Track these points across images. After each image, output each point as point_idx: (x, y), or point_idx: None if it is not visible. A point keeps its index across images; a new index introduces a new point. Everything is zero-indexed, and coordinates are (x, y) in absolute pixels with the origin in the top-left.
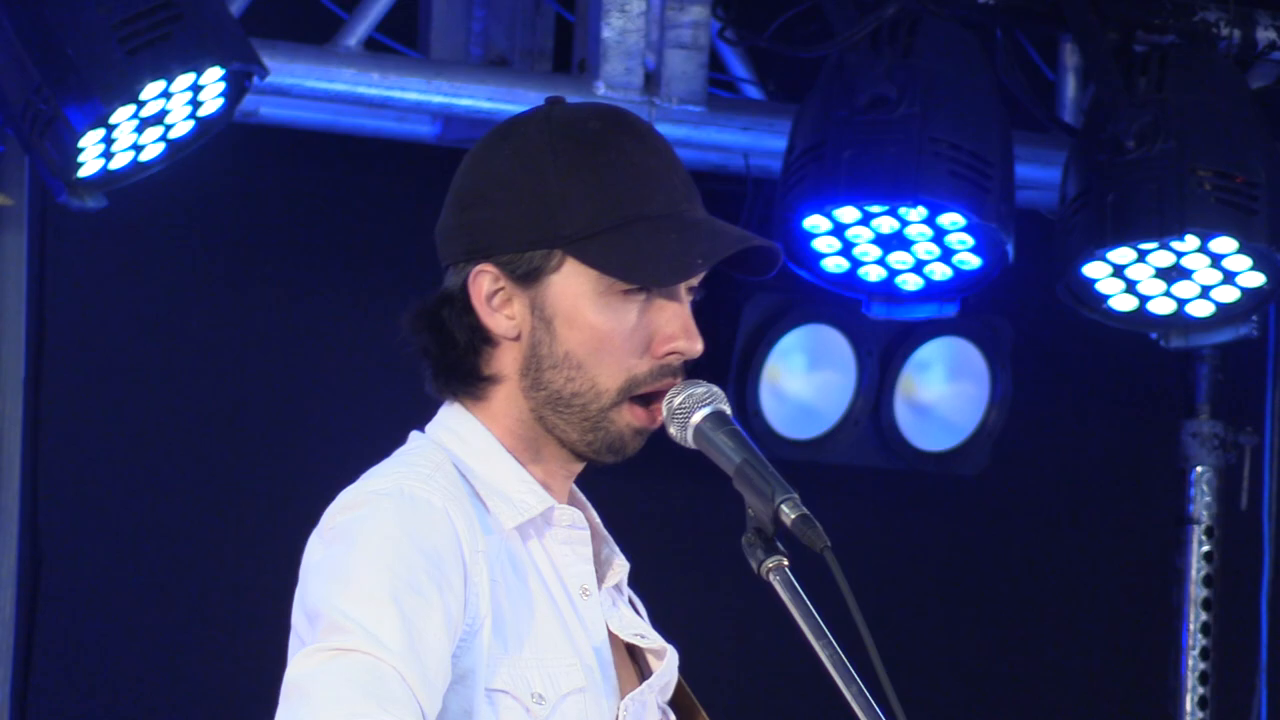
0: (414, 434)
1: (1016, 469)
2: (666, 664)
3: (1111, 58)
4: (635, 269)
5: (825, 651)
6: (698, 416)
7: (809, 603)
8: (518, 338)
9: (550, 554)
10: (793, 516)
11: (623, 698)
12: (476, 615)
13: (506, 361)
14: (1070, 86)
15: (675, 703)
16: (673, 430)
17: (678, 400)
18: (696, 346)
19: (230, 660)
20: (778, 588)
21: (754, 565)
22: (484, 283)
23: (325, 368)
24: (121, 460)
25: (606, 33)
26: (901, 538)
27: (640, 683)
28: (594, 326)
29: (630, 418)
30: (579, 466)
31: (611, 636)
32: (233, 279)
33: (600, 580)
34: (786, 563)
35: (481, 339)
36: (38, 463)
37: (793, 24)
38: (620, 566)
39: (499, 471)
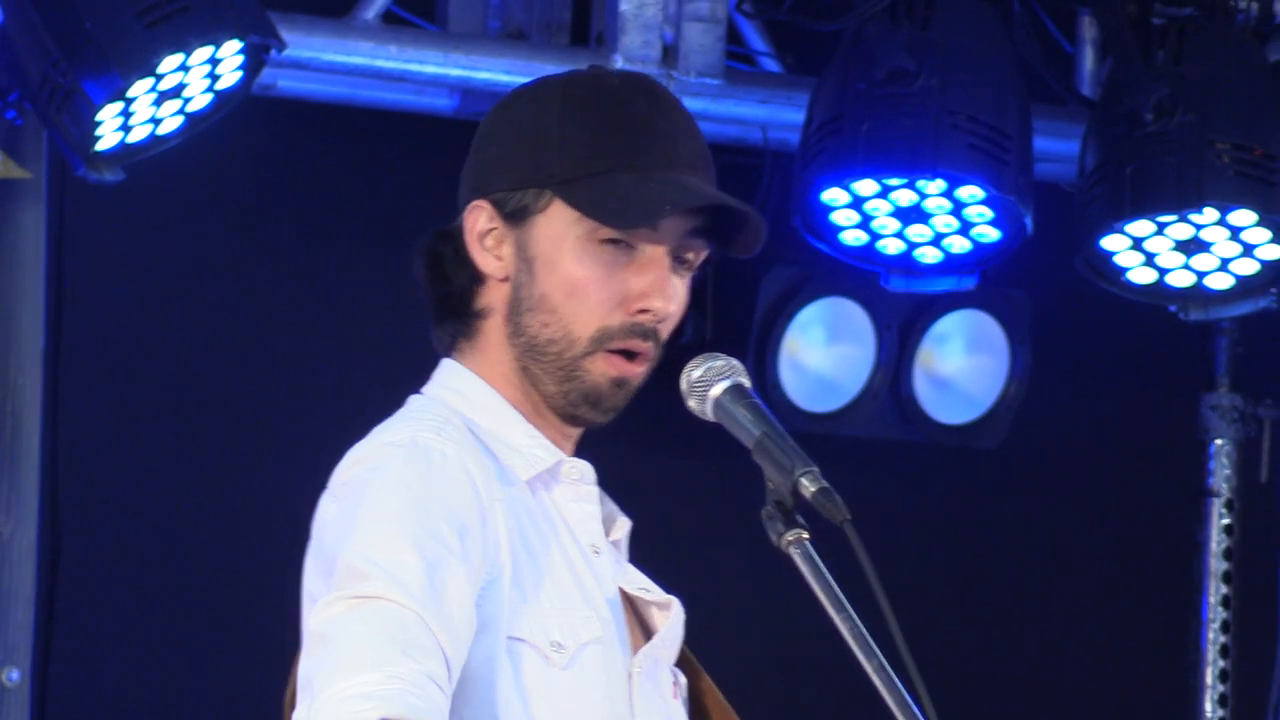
0: (412, 397)
1: (1035, 442)
2: (674, 617)
3: (1129, 30)
4: (604, 210)
5: (845, 625)
6: (717, 389)
7: (829, 576)
8: (506, 279)
9: (561, 508)
10: (812, 489)
11: (634, 654)
12: (496, 563)
13: (495, 302)
14: (1088, 59)
15: (680, 666)
16: (692, 403)
17: (697, 373)
18: (667, 307)
19: (251, 638)
20: (797, 561)
21: (774, 538)
22: (478, 219)
23: (345, 341)
24: (141, 435)
25: (624, 6)
26: (921, 510)
27: (645, 641)
28: (569, 271)
29: (605, 366)
30: (572, 429)
31: (623, 595)
32: (251, 252)
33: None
34: (806, 536)
35: (473, 277)
36: (57, 438)
37: None
38: (622, 524)
39: (505, 425)
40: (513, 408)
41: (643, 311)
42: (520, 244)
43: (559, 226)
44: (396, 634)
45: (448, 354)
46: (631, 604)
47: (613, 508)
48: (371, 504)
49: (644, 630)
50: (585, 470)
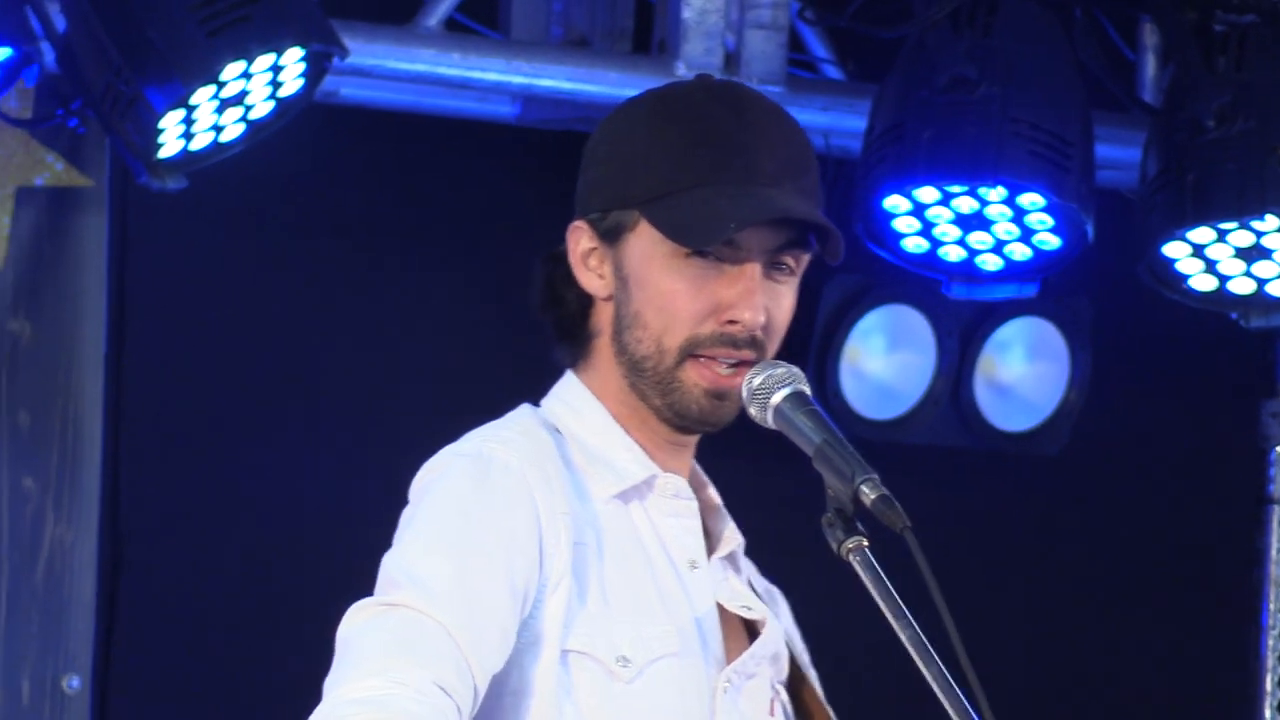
0: (520, 406)
1: (1096, 449)
2: (765, 635)
3: (1191, 37)
4: (677, 229)
5: (905, 632)
6: (777, 397)
7: (889, 583)
8: (609, 298)
9: (655, 523)
10: (873, 497)
11: (723, 670)
12: (552, 575)
13: (603, 321)
14: (1150, 66)
15: (796, 693)
16: (753, 411)
17: (757, 381)
18: (754, 318)
19: (311, 644)
20: (858, 568)
21: (834, 546)
22: (580, 240)
23: (408, 348)
24: (202, 442)
25: (686, 13)
26: (981, 518)
27: None
28: (658, 287)
29: (696, 376)
30: (682, 437)
31: (723, 611)
32: (312, 259)
33: (710, 552)
34: (866, 543)
35: (580, 298)
36: (118, 444)
37: (873, 4)
38: (731, 539)
39: (606, 439)
40: (616, 423)
41: (731, 322)
42: (617, 263)
43: (648, 244)
44: (413, 641)
45: (570, 368)
46: (744, 621)
47: (725, 523)
48: (423, 513)
49: (747, 646)
50: (680, 486)
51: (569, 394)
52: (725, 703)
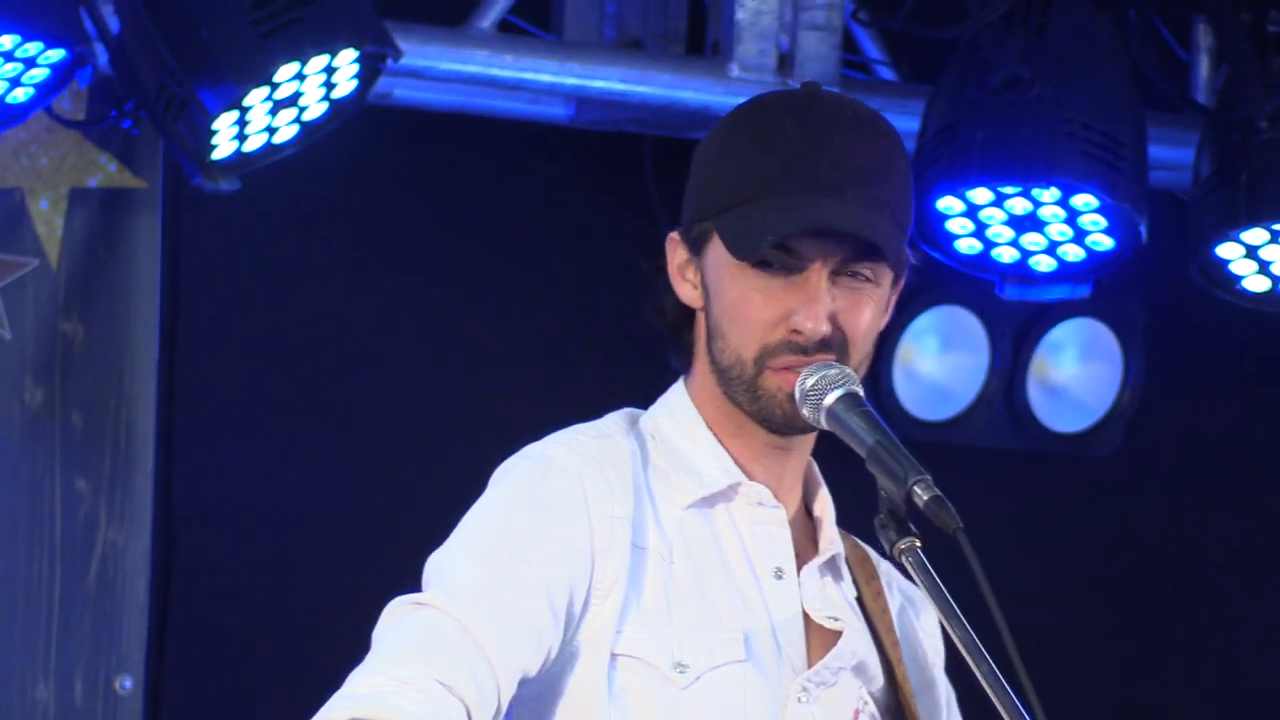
0: (625, 409)
1: (1149, 450)
2: (840, 644)
3: (1245, 38)
4: (730, 240)
5: (957, 632)
6: (830, 398)
7: (941, 584)
8: (702, 307)
9: (740, 531)
10: (925, 498)
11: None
12: (604, 579)
13: (700, 330)
14: (1203, 67)
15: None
16: (805, 411)
17: (810, 382)
18: (815, 327)
19: (364, 645)
20: (910, 569)
21: (886, 546)
22: (675, 252)
23: (460, 350)
24: (254, 444)
25: (740, 14)
26: (1034, 519)
27: None
28: (729, 296)
29: (778, 380)
30: (780, 440)
31: (812, 620)
32: (365, 261)
33: (802, 561)
34: (919, 544)
35: (679, 307)
36: (171, 445)
37: (926, 4)
38: (829, 546)
39: (695, 445)
40: (709, 429)
41: (796, 331)
42: (703, 274)
43: (721, 255)
44: (425, 640)
45: (682, 374)
46: (825, 630)
47: (829, 530)
48: (472, 514)
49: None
50: (764, 495)
51: (671, 398)
52: (799, 711)
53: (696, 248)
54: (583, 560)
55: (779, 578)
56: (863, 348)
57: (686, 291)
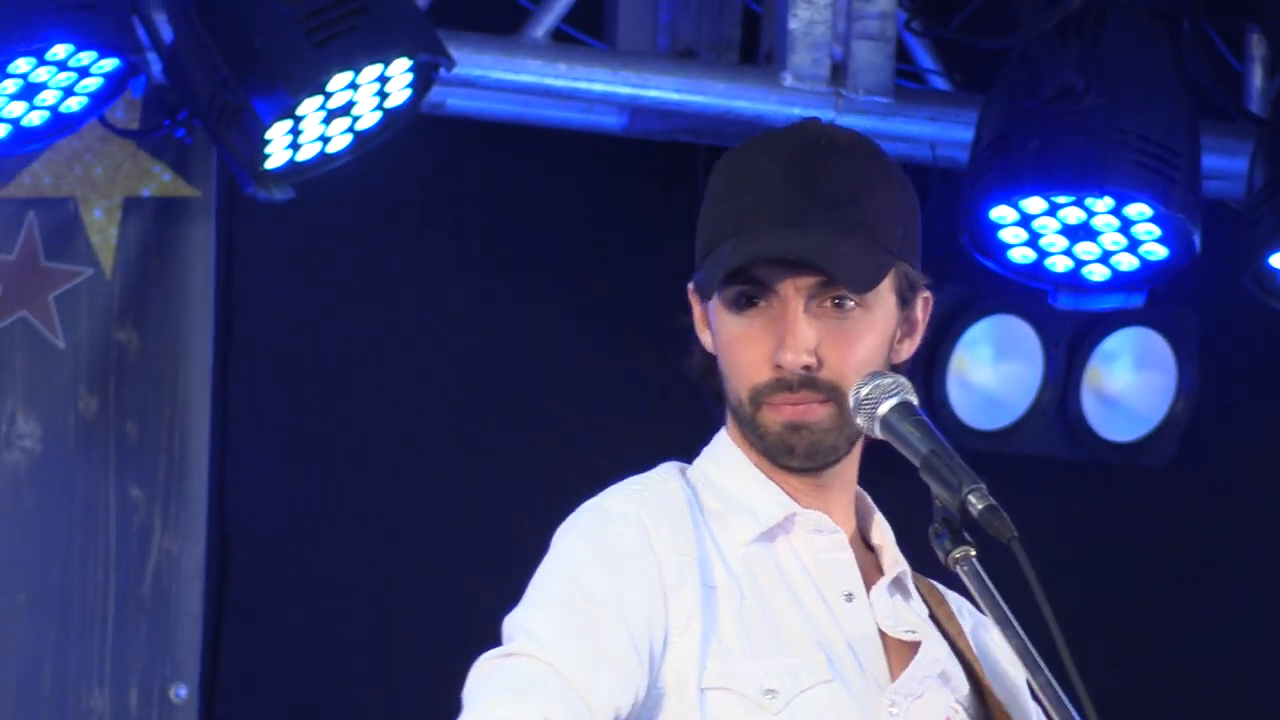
0: (670, 462)
1: (1204, 459)
2: (921, 655)
3: None
4: (699, 284)
5: (1013, 641)
6: (884, 407)
7: (996, 593)
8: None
9: (803, 560)
10: (980, 507)
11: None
12: (678, 617)
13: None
14: (1257, 76)
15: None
16: (859, 420)
17: (865, 391)
18: (794, 359)
19: (417, 655)
20: (965, 578)
21: (941, 555)
22: (693, 302)
23: (512, 358)
24: (309, 452)
25: (793, 24)
26: (1088, 528)
27: None
28: (721, 340)
29: (772, 414)
30: (814, 477)
31: (889, 638)
32: (419, 270)
33: (869, 583)
34: (974, 553)
35: (705, 356)
36: (225, 454)
37: (979, 15)
38: (893, 565)
39: (744, 484)
40: (755, 467)
41: (778, 367)
42: (709, 320)
43: (715, 300)
44: (519, 683)
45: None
46: (903, 646)
47: (891, 552)
48: (541, 571)
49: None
50: (821, 521)
51: (714, 446)
52: None
53: (701, 297)
54: (657, 599)
55: (850, 600)
56: (853, 375)
57: (707, 338)
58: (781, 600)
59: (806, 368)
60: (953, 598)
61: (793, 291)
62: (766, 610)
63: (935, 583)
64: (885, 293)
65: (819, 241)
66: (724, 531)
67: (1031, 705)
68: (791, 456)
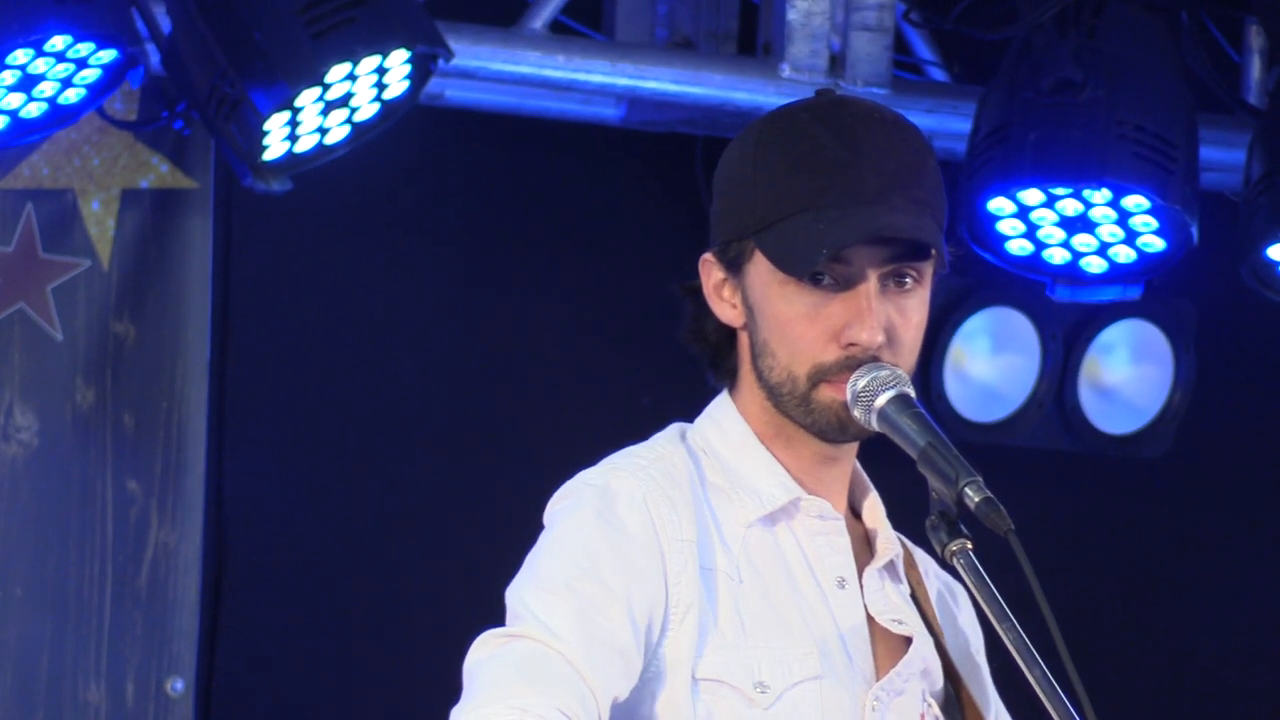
0: (673, 425)
1: (1201, 452)
2: (911, 651)
3: None
4: (780, 257)
5: (1009, 634)
6: (882, 400)
7: (992, 586)
8: (744, 326)
9: (802, 544)
10: (976, 499)
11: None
12: (679, 603)
13: (743, 350)
14: (1255, 68)
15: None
16: (857, 413)
17: (861, 383)
18: (872, 338)
19: (413, 648)
20: (961, 570)
21: (938, 548)
22: (711, 272)
23: (511, 351)
24: (305, 445)
25: (791, 15)
26: (1085, 521)
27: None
28: (777, 314)
29: (832, 393)
30: (831, 449)
31: (876, 624)
32: (417, 262)
33: (862, 567)
34: (970, 545)
35: (720, 329)
36: (222, 447)
37: (977, 6)
38: (887, 549)
39: (751, 463)
40: (762, 445)
41: (851, 345)
42: (744, 292)
43: (764, 273)
44: (533, 670)
45: (726, 389)
46: (889, 632)
47: (886, 533)
48: (547, 545)
49: (900, 660)
50: (824, 508)
51: (719, 412)
52: (876, 717)
53: (735, 267)
54: (658, 586)
55: (842, 587)
56: (912, 351)
57: (726, 311)
58: (778, 585)
59: (878, 346)
60: (921, 557)
61: (871, 269)
62: (762, 595)
63: (905, 540)
64: (931, 268)
65: (912, 219)
66: (726, 509)
67: (991, 686)
68: (843, 434)
